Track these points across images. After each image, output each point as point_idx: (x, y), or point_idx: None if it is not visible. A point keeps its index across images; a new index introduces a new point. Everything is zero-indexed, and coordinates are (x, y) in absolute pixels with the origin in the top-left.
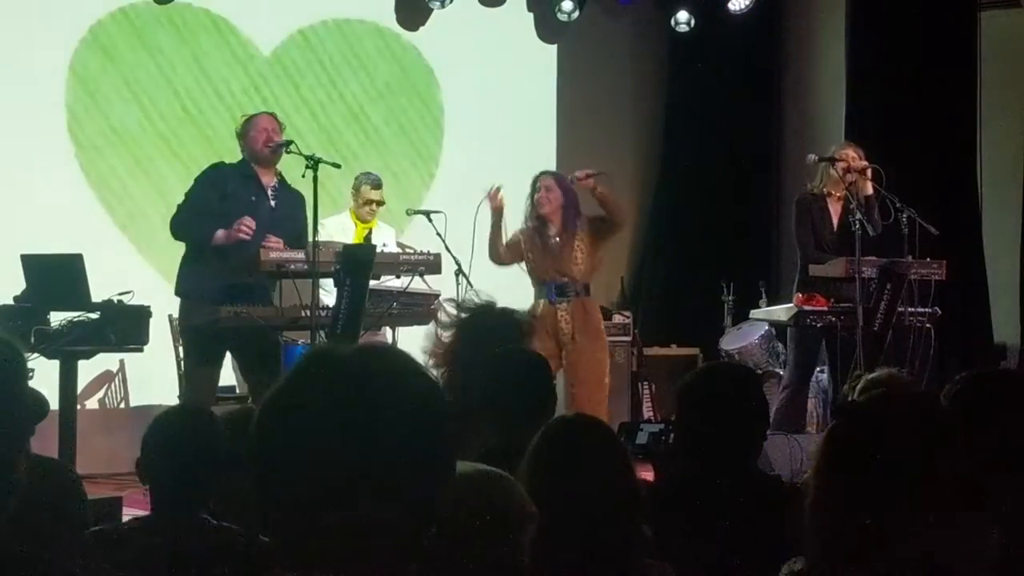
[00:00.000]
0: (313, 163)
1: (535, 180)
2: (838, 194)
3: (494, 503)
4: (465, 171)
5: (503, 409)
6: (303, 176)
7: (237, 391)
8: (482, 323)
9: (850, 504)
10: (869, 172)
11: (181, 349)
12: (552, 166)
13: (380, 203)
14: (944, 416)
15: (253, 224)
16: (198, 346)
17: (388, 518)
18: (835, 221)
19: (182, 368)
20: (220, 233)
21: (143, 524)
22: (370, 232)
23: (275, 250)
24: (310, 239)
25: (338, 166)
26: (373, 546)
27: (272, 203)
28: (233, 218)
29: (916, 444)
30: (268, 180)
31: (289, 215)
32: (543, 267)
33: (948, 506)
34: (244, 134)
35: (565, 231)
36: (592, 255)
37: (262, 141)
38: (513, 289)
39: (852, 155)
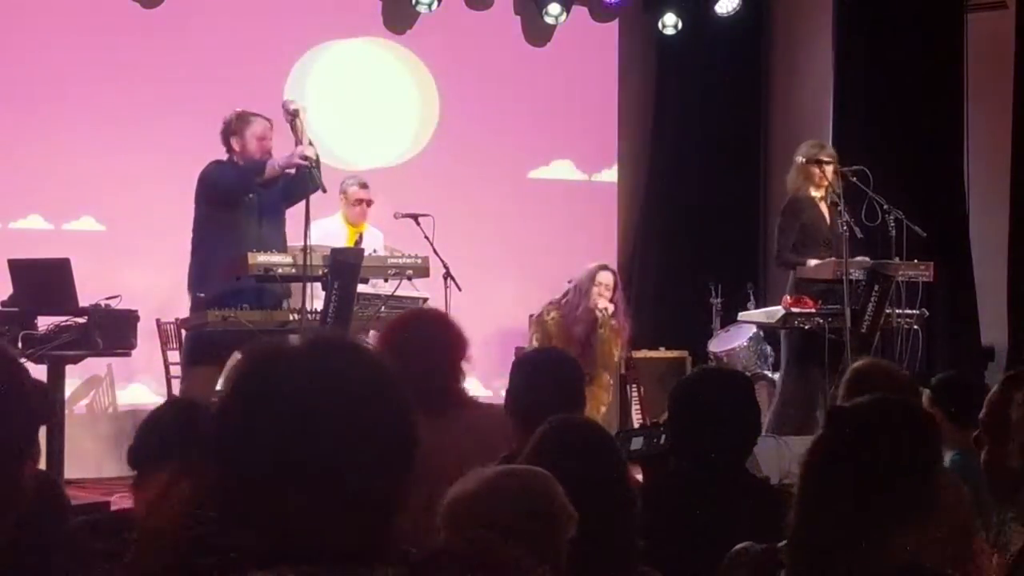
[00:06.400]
0: (306, 170)
1: (599, 269)
2: (820, 195)
3: (540, 500)
4: (454, 174)
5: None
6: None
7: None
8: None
9: (834, 507)
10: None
11: (171, 352)
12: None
13: (369, 202)
14: (928, 423)
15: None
16: (199, 346)
17: (342, 507)
18: (828, 221)
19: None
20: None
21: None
22: (360, 235)
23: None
24: (303, 240)
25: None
26: (332, 538)
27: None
28: (235, 218)
29: (902, 452)
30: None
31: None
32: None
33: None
34: (236, 131)
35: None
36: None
37: (258, 153)
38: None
39: (831, 154)
